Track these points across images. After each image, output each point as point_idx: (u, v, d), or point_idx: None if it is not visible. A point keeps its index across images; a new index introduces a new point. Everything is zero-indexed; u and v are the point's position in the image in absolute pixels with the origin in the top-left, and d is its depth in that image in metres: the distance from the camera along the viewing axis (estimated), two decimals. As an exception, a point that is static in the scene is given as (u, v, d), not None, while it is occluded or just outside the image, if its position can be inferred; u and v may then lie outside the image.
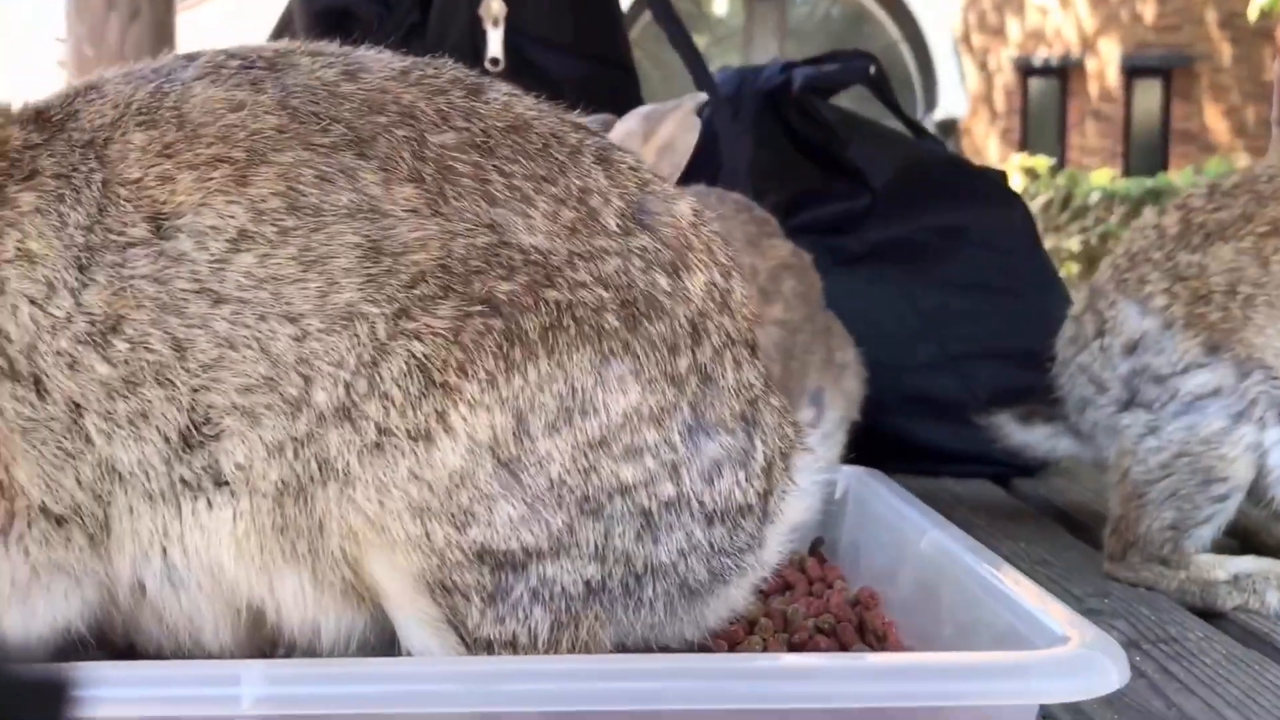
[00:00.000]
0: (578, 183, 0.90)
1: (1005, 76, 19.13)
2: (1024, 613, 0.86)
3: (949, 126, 19.55)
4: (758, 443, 0.92)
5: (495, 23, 2.31)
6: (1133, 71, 18.46)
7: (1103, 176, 14.32)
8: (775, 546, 0.96)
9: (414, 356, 0.84)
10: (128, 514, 0.86)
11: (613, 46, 2.49)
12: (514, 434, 0.84)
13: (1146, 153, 17.84)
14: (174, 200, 0.85)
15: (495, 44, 2.31)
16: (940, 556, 1.05)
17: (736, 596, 0.96)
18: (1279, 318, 1.44)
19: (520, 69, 2.36)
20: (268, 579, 0.87)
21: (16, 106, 0.93)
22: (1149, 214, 1.67)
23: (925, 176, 2.42)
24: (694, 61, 2.28)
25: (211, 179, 0.85)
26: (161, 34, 4.35)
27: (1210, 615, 1.44)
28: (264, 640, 0.92)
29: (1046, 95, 19.06)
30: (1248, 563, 1.48)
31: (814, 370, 1.76)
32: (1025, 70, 18.95)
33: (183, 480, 0.85)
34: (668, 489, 0.87)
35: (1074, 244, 12.58)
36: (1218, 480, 1.46)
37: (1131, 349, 1.55)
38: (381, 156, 0.86)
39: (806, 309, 1.75)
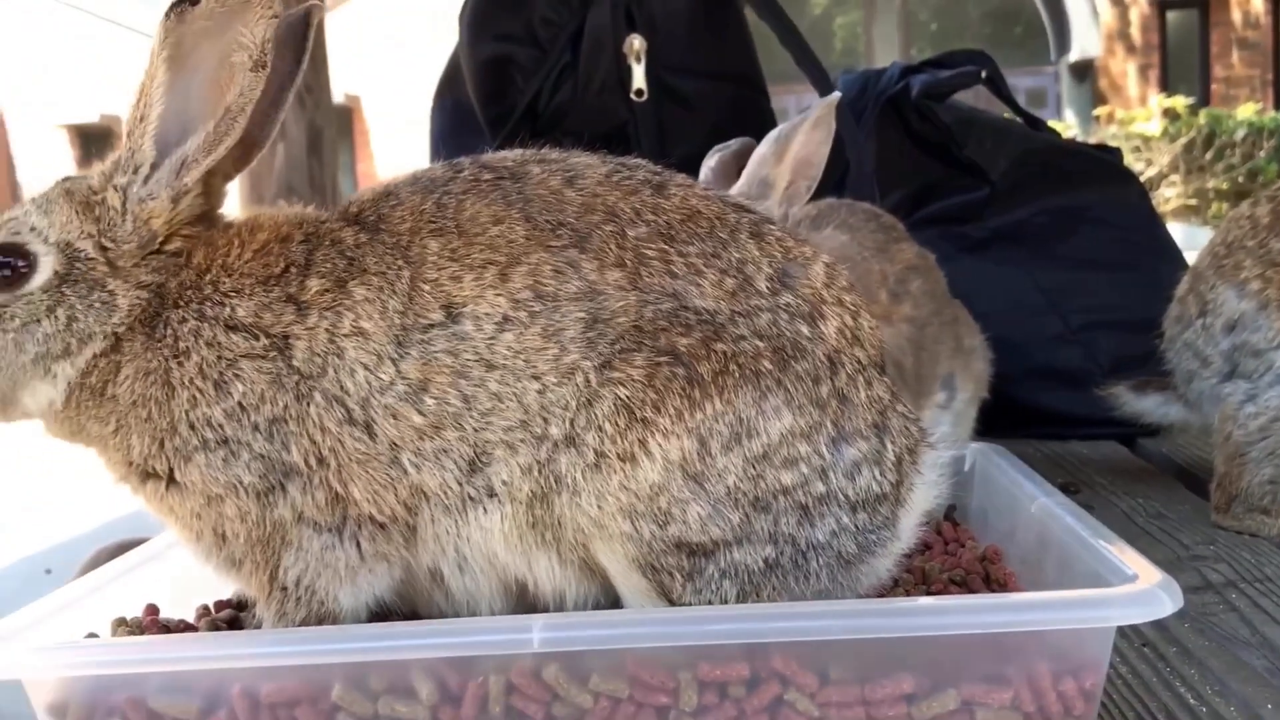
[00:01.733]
0: (736, 255, 1.14)
1: (1141, 10, 18.13)
2: (1106, 561, 1.10)
3: (1084, 68, 18.74)
4: (888, 444, 1.15)
5: (638, 58, 2.53)
6: (1280, -8, 17.47)
7: (1247, 110, 13.62)
8: (909, 525, 1.18)
9: (619, 399, 1.09)
10: (430, 522, 1.14)
11: (745, 68, 2.67)
12: (698, 454, 1.06)
13: (1299, 79, 16.90)
14: (461, 294, 1.12)
15: (639, 77, 2.53)
16: (1047, 518, 1.29)
17: (881, 565, 1.17)
18: None
19: (663, 96, 2.58)
20: (527, 561, 1.15)
21: (336, 208, 1.21)
22: (1244, 206, 1.84)
23: (1040, 164, 2.56)
24: (820, 80, 2.46)
25: (485, 278, 1.12)
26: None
27: (1307, 558, 1.60)
28: (525, 608, 1.19)
29: (1186, 27, 17.98)
30: (1340, 510, 1.65)
31: (944, 358, 1.92)
32: (1162, 2, 17.93)
33: (469, 495, 1.13)
34: (819, 487, 1.10)
35: (1221, 183, 12.09)
36: None
37: (1231, 327, 1.71)
38: (595, 249, 1.12)
39: (934, 304, 1.92)
